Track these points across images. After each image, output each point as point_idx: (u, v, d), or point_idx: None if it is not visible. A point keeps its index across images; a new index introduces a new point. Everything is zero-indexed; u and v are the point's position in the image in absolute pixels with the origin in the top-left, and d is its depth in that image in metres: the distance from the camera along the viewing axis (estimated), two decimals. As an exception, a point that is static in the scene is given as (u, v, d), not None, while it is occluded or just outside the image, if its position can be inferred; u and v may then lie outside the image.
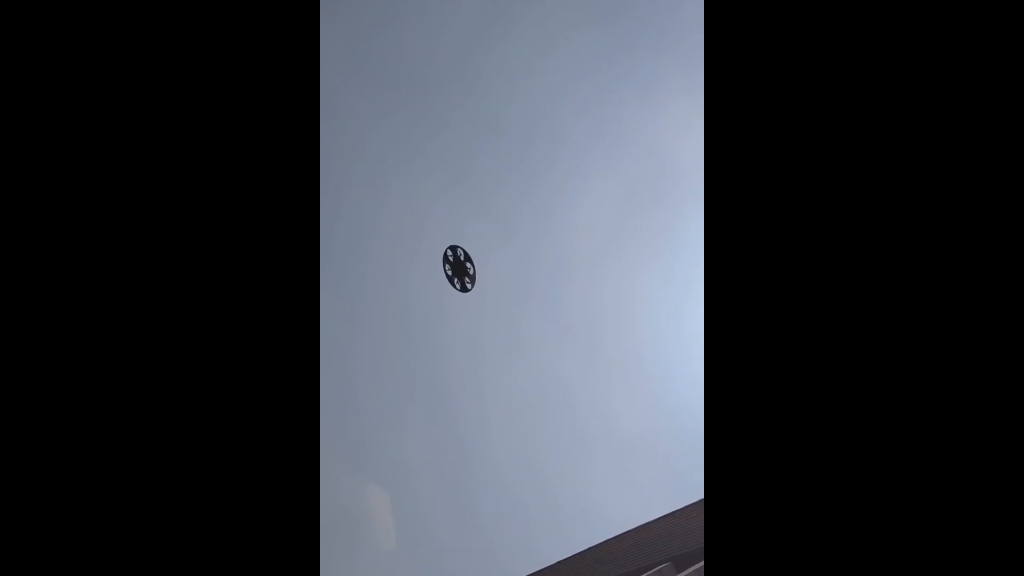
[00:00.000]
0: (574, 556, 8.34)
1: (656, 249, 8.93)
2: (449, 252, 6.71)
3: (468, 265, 6.75)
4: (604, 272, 8.66)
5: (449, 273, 6.64)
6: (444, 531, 7.70)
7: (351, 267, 7.20)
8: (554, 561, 8.33)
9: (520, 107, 8.22)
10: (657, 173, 8.96)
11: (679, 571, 7.21)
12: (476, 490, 7.91)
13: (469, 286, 6.72)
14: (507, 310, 8.00)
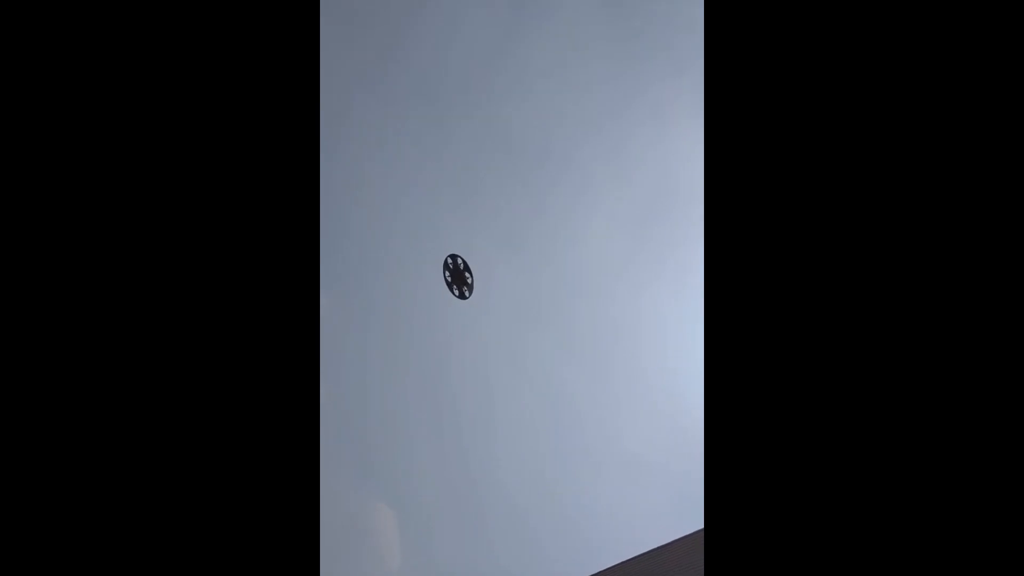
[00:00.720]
0: (583, 580, 8.17)
1: (665, 268, 8.87)
2: (449, 260, 6.80)
3: (467, 275, 6.83)
4: (612, 290, 8.61)
5: (449, 279, 6.72)
6: (450, 549, 7.59)
7: (357, 276, 7.24)
8: (564, 584, 8.17)
9: (531, 124, 8.28)
10: (667, 193, 8.93)
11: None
12: (483, 508, 7.81)
13: (468, 294, 6.80)
14: (516, 325, 7.97)
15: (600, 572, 8.12)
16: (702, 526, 7.78)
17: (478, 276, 7.15)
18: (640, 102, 8.79)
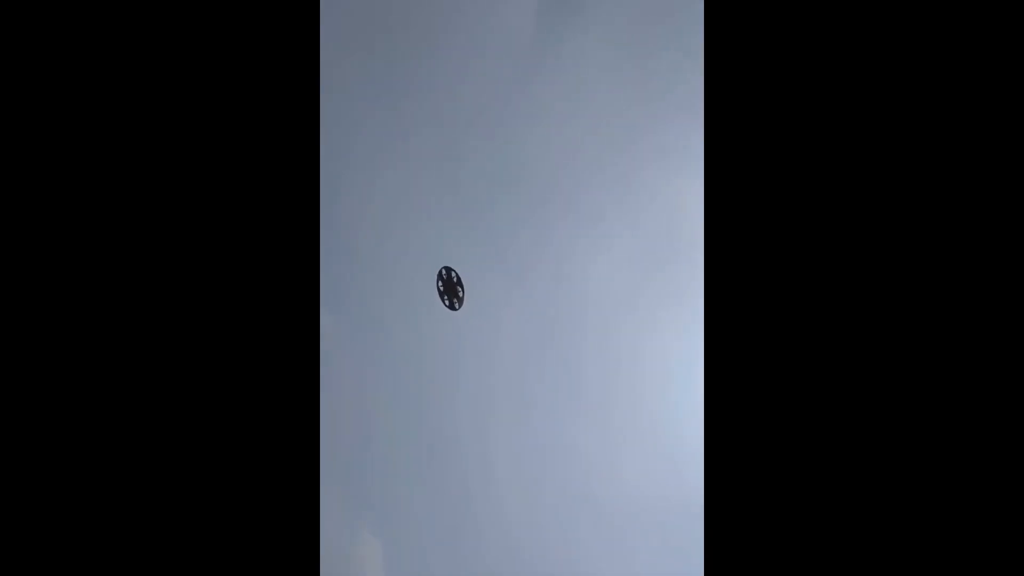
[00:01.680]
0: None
1: (670, 309, 8.77)
2: (443, 271, 6.88)
3: (459, 288, 6.90)
4: (618, 329, 8.50)
5: (441, 289, 6.79)
6: (437, 584, 7.33)
7: (357, 303, 7.23)
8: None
9: (539, 157, 8.34)
10: (676, 232, 8.90)
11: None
12: (475, 540, 7.57)
13: (457, 306, 6.86)
14: (518, 362, 7.87)
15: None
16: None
17: (470, 291, 7.16)
18: (648, 143, 8.84)
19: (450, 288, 7.01)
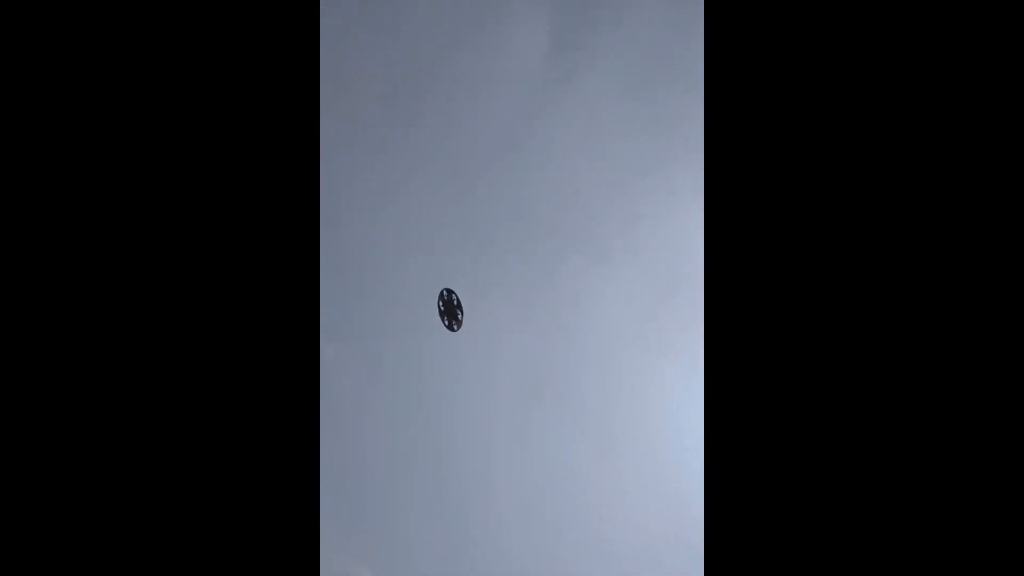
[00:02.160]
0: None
1: (674, 340, 8.70)
2: (445, 292, 6.85)
3: (458, 311, 6.87)
4: (621, 363, 8.42)
5: (442, 308, 6.76)
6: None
7: (357, 321, 7.17)
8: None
9: (546, 190, 8.37)
10: (678, 265, 8.88)
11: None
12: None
13: (456, 328, 6.83)
14: (517, 386, 7.78)
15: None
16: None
17: (469, 314, 7.13)
18: (653, 178, 8.88)
19: (450, 310, 6.99)
